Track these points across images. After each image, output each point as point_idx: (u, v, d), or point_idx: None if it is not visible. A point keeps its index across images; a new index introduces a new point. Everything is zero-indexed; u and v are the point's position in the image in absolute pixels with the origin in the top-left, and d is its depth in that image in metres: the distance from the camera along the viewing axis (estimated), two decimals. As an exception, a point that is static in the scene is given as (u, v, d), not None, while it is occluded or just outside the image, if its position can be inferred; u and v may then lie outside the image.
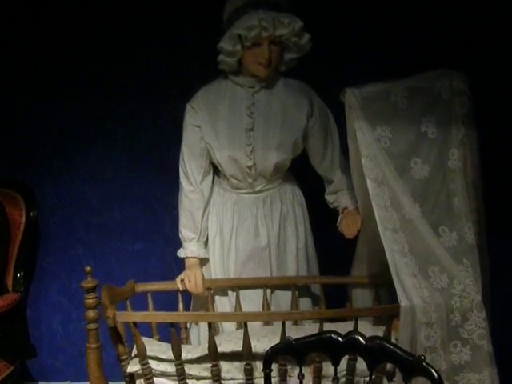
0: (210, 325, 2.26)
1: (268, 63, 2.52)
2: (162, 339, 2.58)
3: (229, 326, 2.71)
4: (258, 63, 2.53)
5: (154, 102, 3.20)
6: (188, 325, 2.78)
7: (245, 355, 2.28)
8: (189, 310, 2.83)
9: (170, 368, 2.35)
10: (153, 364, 2.35)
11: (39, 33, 3.21)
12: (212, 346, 2.27)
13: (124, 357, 2.39)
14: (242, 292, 2.70)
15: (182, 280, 2.67)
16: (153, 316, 2.40)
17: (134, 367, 2.37)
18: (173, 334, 2.25)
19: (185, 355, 2.35)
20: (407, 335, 2.17)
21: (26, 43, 3.22)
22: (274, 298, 2.74)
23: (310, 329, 2.49)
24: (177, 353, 2.28)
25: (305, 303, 2.80)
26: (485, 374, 2.25)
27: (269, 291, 2.71)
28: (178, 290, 2.68)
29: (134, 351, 2.39)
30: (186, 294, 2.74)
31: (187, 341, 2.73)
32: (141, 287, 2.64)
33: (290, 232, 2.74)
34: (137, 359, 2.35)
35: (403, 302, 2.19)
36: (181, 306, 2.68)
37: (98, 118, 3.27)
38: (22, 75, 3.25)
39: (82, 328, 2.41)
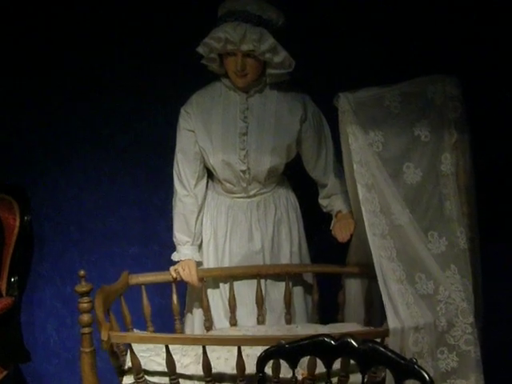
0: (204, 348, 2.24)
1: (243, 74, 2.55)
2: (157, 331, 2.61)
3: (221, 322, 2.74)
4: (234, 73, 2.56)
5: (151, 105, 3.20)
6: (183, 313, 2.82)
7: (238, 376, 2.28)
8: (184, 301, 2.86)
9: (164, 380, 2.36)
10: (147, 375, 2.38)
11: (36, 36, 3.21)
12: (206, 367, 2.27)
13: (120, 370, 2.41)
14: (235, 283, 2.71)
15: (176, 270, 2.69)
16: (148, 338, 2.39)
17: (128, 380, 2.39)
18: (167, 353, 2.26)
19: (178, 358, 2.36)
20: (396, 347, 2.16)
21: (22, 46, 3.23)
22: (267, 288, 2.76)
23: (302, 332, 2.50)
24: (171, 369, 2.29)
25: (298, 292, 2.82)
26: (471, 379, 2.25)
27: (262, 282, 2.72)
28: (173, 281, 2.70)
29: (128, 363, 2.40)
30: (181, 286, 2.75)
31: (181, 332, 2.75)
32: (135, 279, 2.65)
33: (284, 236, 2.76)
34: (132, 374, 2.37)
35: (391, 323, 2.17)
36: (175, 297, 2.69)
37: (94, 123, 3.27)
38: (17, 78, 3.25)
39: (76, 332, 2.42)
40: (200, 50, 2.55)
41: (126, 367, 2.43)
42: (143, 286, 2.65)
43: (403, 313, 2.18)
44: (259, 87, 2.64)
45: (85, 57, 3.20)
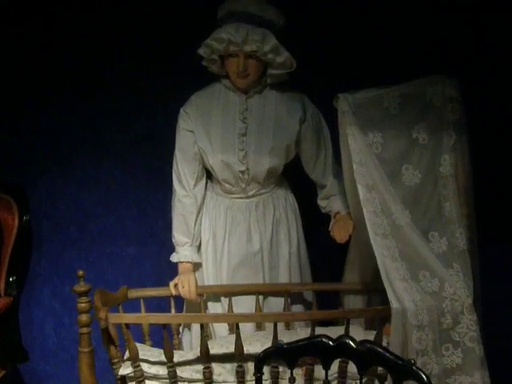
0: (202, 326, 2.26)
1: (244, 75, 2.55)
2: (154, 345, 2.57)
3: (221, 332, 2.71)
4: (235, 74, 2.56)
5: (149, 105, 3.21)
6: (180, 329, 2.79)
7: (236, 357, 2.28)
8: (182, 307, 2.83)
9: (162, 371, 2.35)
10: (144, 367, 2.36)
11: (36, 36, 3.21)
12: (204, 347, 2.27)
13: (116, 360, 2.39)
14: (234, 298, 2.70)
15: (176, 285, 2.68)
16: (145, 318, 2.40)
17: (125, 370, 2.37)
18: (165, 337, 2.26)
19: (177, 359, 2.35)
20: (398, 338, 2.17)
21: (22, 46, 3.23)
22: (266, 304, 2.74)
23: (302, 334, 2.50)
24: (169, 355, 2.29)
25: (297, 309, 2.80)
26: (476, 376, 2.25)
27: (261, 298, 2.71)
28: (171, 296, 2.69)
29: (126, 355, 2.40)
30: (179, 300, 2.74)
31: (179, 347, 2.73)
32: (133, 293, 2.64)
33: (283, 237, 2.75)
34: (128, 362, 2.36)
35: (394, 304, 2.19)
36: (173, 311, 2.68)
37: (93, 122, 3.27)
38: (16, 78, 3.25)
39: (75, 332, 2.41)
40: (201, 51, 2.55)
41: (124, 357, 2.42)
42: (142, 300, 2.64)
43: (409, 309, 2.18)
44: (259, 88, 2.64)
45: (85, 57, 3.20)
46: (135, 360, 2.31)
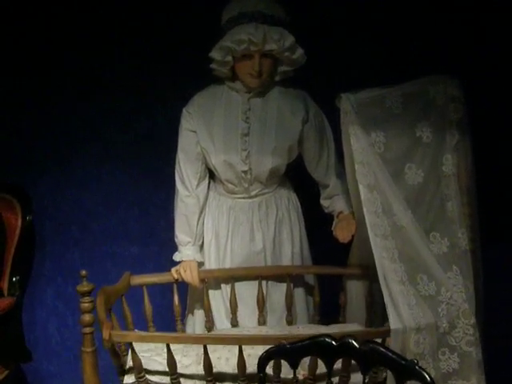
0: (205, 348, 2.24)
1: (258, 75, 2.54)
2: (158, 330, 2.62)
3: (223, 323, 2.74)
4: (249, 74, 2.55)
5: (151, 106, 3.21)
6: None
7: (239, 376, 2.28)
8: (185, 302, 2.86)
9: (166, 380, 2.36)
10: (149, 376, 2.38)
11: (36, 36, 3.21)
12: (207, 366, 2.27)
13: (120, 369, 2.41)
14: (236, 284, 2.72)
15: (177, 271, 2.70)
16: (150, 337, 2.40)
17: (129, 379, 2.39)
18: (168, 355, 2.26)
19: (179, 358, 2.36)
20: (397, 348, 2.17)
21: (22, 46, 3.23)
22: (268, 289, 2.76)
23: (303, 331, 2.51)
24: (172, 369, 2.29)
25: (299, 294, 2.82)
26: (473, 381, 2.24)
27: (264, 283, 2.73)
28: (174, 282, 2.71)
29: (130, 363, 2.40)
30: (182, 287, 2.76)
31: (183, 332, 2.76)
32: (136, 279, 2.66)
33: (285, 236, 2.75)
34: (133, 373, 2.37)
35: (390, 308, 2.18)
36: (176, 298, 2.70)
37: (94, 122, 3.27)
38: (17, 78, 3.25)
39: (78, 332, 2.41)
40: (214, 54, 2.52)
41: (127, 367, 2.43)
42: (145, 287, 2.66)
43: (405, 313, 2.18)
44: (263, 88, 2.64)
45: (85, 57, 3.20)
46: (139, 372, 2.33)
